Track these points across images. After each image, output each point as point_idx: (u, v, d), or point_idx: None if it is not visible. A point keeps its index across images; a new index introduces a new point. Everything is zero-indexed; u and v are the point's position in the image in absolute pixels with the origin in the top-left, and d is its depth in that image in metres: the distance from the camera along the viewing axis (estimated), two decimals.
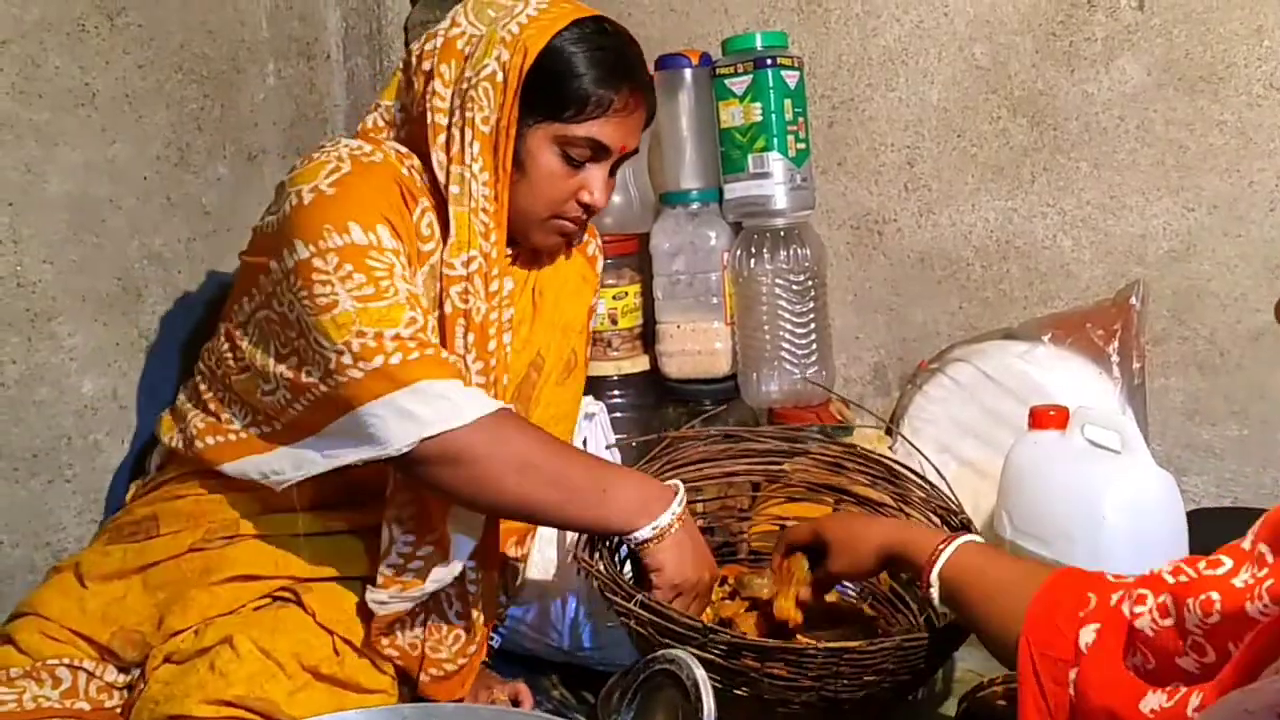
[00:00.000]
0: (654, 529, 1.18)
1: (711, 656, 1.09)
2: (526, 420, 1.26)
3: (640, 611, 1.12)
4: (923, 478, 1.40)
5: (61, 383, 1.52)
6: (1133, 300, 1.67)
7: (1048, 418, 1.41)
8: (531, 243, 1.33)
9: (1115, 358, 1.64)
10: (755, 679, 1.10)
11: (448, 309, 1.24)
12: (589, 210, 1.30)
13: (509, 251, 1.35)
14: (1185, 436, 1.73)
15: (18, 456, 1.48)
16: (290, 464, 1.23)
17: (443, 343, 1.24)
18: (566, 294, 1.41)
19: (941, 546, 1.08)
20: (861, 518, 1.33)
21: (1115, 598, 0.89)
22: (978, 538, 1.12)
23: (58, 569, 1.31)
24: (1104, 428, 1.35)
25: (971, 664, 1.36)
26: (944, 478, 1.36)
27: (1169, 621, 0.83)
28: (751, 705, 1.13)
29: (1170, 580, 0.86)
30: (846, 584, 1.44)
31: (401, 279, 1.18)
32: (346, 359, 1.13)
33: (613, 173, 1.32)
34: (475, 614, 1.29)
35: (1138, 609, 0.86)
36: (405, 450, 1.12)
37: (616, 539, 1.24)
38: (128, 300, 1.60)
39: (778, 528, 1.47)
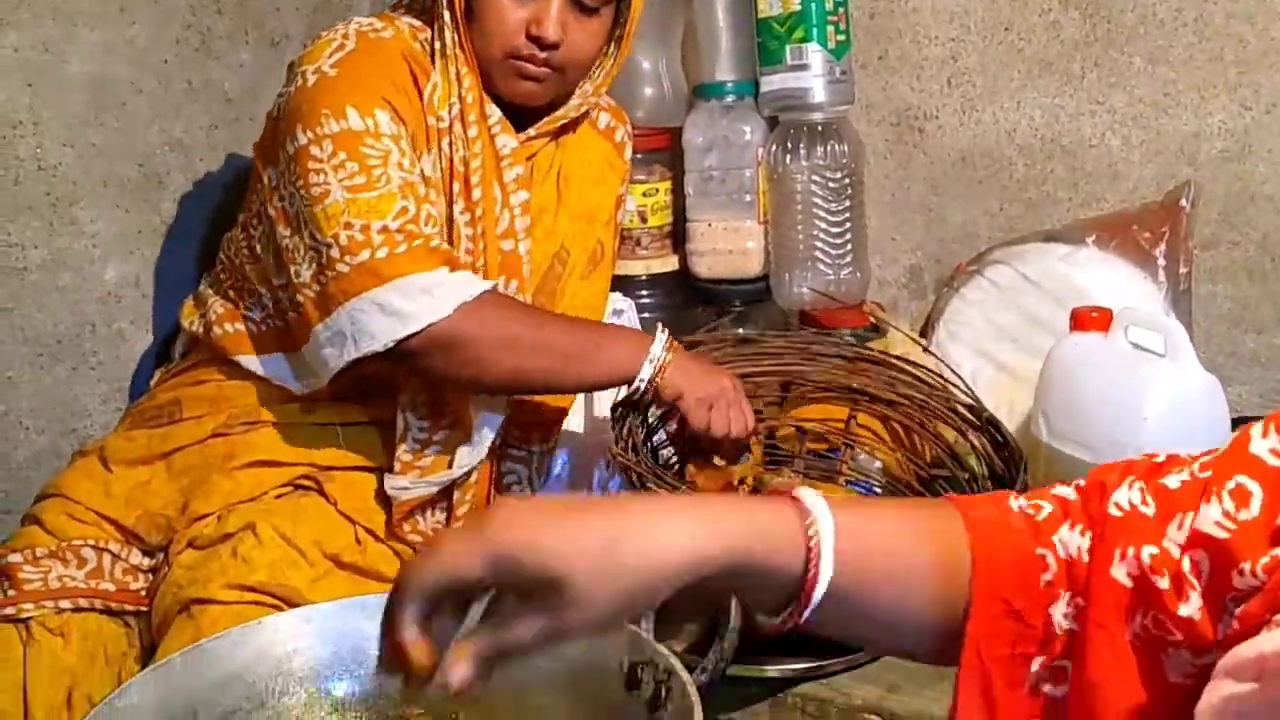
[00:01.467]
0: (652, 364, 1.22)
1: None
2: (509, 298, 1.25)
3: None
4: (945, 379, 1.38)
5: (84, 269, 1.51)
6: (1182, 202, 1.61)
7: (1090, 319, 1.36)
8: (501, 92, 1.27)
9: (1161, 261, 1.58)
10: None
11: (443, 163, 1.24)
12: (541, 44, 1.23)
13: (530, 134, 1.31)
14: (1230, 344, 1.68)
15: (42, 343, 1.47)
16: (296, 372, 1.26)
17: (446, 196, 1.24)
18: (591, 182, 1.37)
19: (811, 525, 0.62)
20: (618, 522, 0.61)
21: (1072, 549, 0.65)
22: (815, 493, 0.66)
23: (82, 452, 1.31)
24: (1148, 330, 1.30)
25: None
26: (964, 381, 1.33)
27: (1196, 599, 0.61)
28: None
29: (1147, 511, 0.64)
30: (870, 478, 1.43)
31: (397, 166, 1.17)
32: (335, 253, 1.14)
33: (587, 11, 1.24)
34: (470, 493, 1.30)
35: (1143, 554, 0.63)
36: (391, 345, 1.13)
37: (645, 430, 1.23)
38: (149, 187, 1.58)
39: (794, 430, 1.45)
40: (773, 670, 1.18)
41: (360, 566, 1.21)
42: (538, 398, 1.40)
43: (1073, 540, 0.66)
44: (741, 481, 1.33)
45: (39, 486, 1.31)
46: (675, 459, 1.38)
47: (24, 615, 1.17)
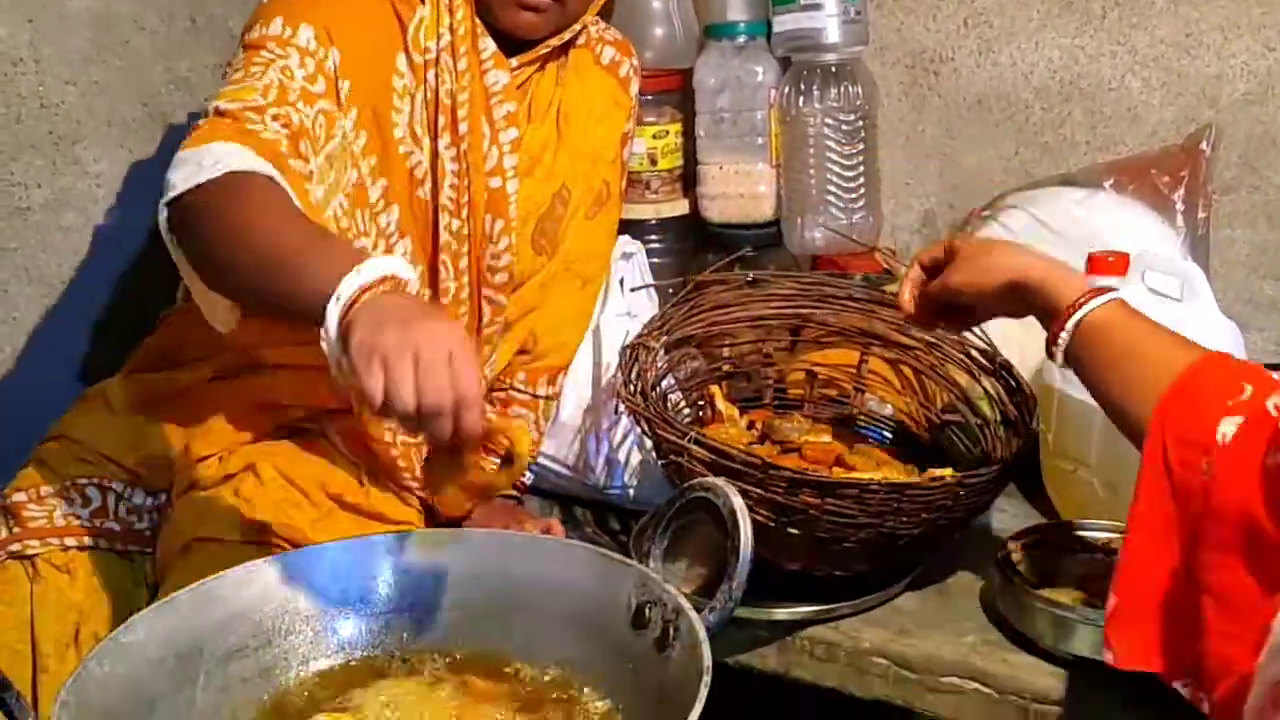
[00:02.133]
0: (339, 301, 0.85)
1: (768, 494, 1.06)
2: (268, 181, 1.02)
3: (693, 448, 1.09)
4: None
5: (88, 209, 1.49)
6: (1202, 146, 1.57)
7: (1106, 263, 1.34)
8: (500, 23, 1.23)
9: (1180, 206, 1.55)
10: (813, 516, 1.07)
11: (427, 95, 1.20)
12: None
13: (514, 64, 1.26)
14: (1248, 291, 1.66)
15: (46, 283, 1.46)
16: None
17: (431, 131, 1.20)
18: (595, 119, 1.34)
19: (1089, 295, 0.95)
20: (1004, 241, 1.22)
21: (1275, 402, 0.81)
22: (1128, 297, 0.98)
23: (85, 396, 1.30)
24: (1166, 274, 1.27)
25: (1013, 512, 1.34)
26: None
27: None
28: (802, 543, 1.11)
29: None
30: (881, 423, 1.41)
31: (281, 71, 1.10)
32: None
33: None
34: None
35: None
36: (163, 220, 1.02)
37: (655, 374, 1.21)
38: (154, 126, 1.56)
39: (804, 374, 1.44)
40: (781, 613, 1.17)
41: (364, 508, 1.21)
42: (543, 344, 1.39)
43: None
44: (751, 425, 1.32)
45: (43, 429, 1.31)
46: (685, 404, 1.37)
47: (29, 552, 1.17)
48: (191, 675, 0.84)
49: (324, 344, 0.85)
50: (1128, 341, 0.93)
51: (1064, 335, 0.96)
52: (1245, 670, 0.77)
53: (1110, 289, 0.98)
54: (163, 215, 1.01)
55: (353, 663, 0.92)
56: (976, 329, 1.31)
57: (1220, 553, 0.81)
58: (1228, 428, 0.81)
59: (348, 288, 0.84)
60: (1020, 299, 1.02)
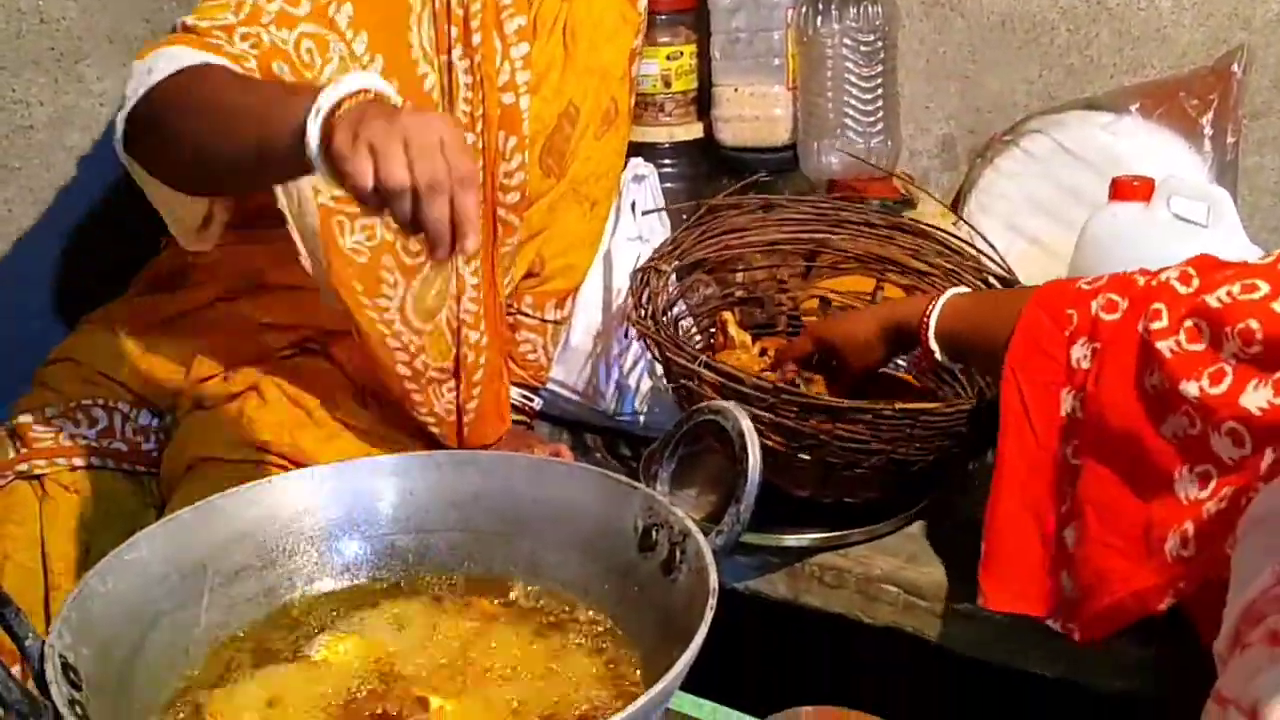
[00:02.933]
0: (319, 114, 0.79)
1: (779, 419, 1.05)
2: (226, 69, 0.99)
3: (704, 372, 1.08)
4: (975, 248, 1.33)
5: (92, 128, 1.47)
6: (1234, 68, 1.52)
7: (1131, 188, 1.30)
8: None
9: (1208, 131, 1.51)
10: (824, 441, 1.06)
11: (436, 5, 1.16)
12: None
13: None
14: (1275, 218, 1.62)
15: (50, 202, 1.44)
16: None
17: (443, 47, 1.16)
18: (603, 35, 1.31)
19: (931, 305, 1.09)
20: (850, 312, 1.31)
21: (1095, 305, 0.92)
22: (963, 289, 1.14)
23: (88, 319, 1.29)
24: (1192, 199, 1.24)
25: None
26: (996, 250, 1.29)
27: (1199, 346, 0.83)
28: (813, 470, 1.10)
29: (1182, 290, 0.87)
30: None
31: None
32: None
33: None
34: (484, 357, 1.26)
35: (1155, 325, 0.87)
36: (118, 137, 0.98)
37: (666, 297, 1.18)
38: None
39: (818, 301, 1.41)
40: (790, 540, 1.16)
41: (368, 430, 1.20)
42: (550, 266, 1.36)
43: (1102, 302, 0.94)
44: (764, 353, 1.30)
45: (49, 351, 1.30)
46: (696, 330, 1.35)
47: (37, 472, 1.17)
48: (195, 593, 0.83)
49: (311, 161, 0.79)
50: (973, 318, 1.07)
51: (933, 349, 1.09)
52: (1123, 585, 0.88)
53: (943, 292, 1.12)
54: (118, 132, 0.96)
55: (358, 584, 0.91)
56: (995, 252, 1.29)
57: (1100, 467, 0.91)
58: (1080, 353, 0.91)
59: (326, 100, 0.79)
60: (897, 341, 1.15)
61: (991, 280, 1.31)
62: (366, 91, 0.81)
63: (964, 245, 1.34)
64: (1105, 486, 0.91)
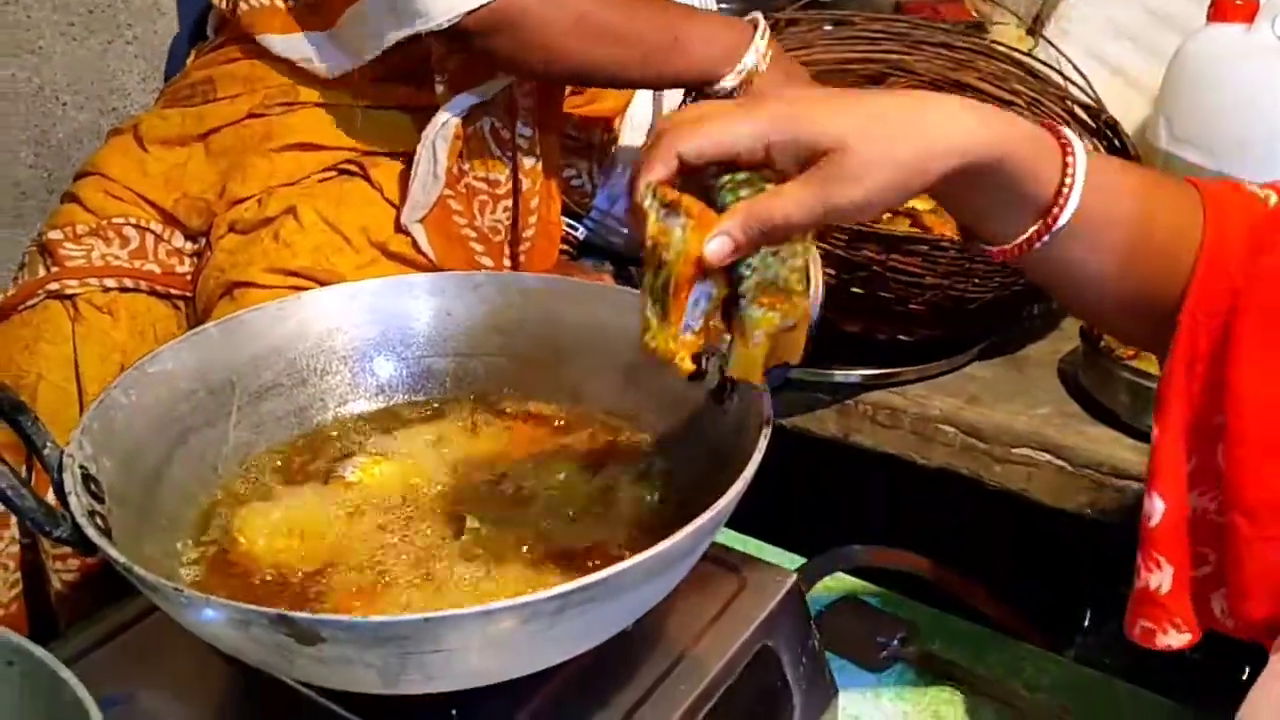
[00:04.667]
0: (739, 74, 1.06)
1: (830, 246, 0.98)
2: None
3: None
4: (1061, 74, 1.23)
5: None
6: None
7: (1232, 7, 1.20)
8: None
9: None
10: (876, 273, 1.00)
11: None
12: None
13: None
14: None
15: (72, 10, 1.37)
16: (324, 52, 1.13)
17: None
18: None
19: (1070, 158, 0.62)
20: (886, 100, 0.62)
21: None
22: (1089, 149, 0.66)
23: (118, 130, 1.23)
24: None
25: None
26: (1085, 77, 1.18)
27: None
28: (865, 303, 1.04)
29: None
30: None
31: None
32: None
33: None
34: (539, 183, 1.21)
35: None
36: (451, 23, 1.00)
37: None
38: None
39: None
40: (839, 375, 1.12)
41: (407, 256, 1.14)
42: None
43: None
44: None
45: (78, 165, 1.25)
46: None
47: (69, 292, 1.13)
48: (224, 410, 0.80)
49: None
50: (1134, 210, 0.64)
51: (1059, 223, 0.63)
52: None
53: (1065, 131, 0.64)
54: (450, 15, 0.99)
55: (393, 406, 0.88)
56: (1084, 79, 1.19)
57: None
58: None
59: (752, 54, 1.05)
60: (968, 182, 0.62)
61: (1079, 111, 1.21)
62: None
63: (1049, 72, 1.24)
64: None
